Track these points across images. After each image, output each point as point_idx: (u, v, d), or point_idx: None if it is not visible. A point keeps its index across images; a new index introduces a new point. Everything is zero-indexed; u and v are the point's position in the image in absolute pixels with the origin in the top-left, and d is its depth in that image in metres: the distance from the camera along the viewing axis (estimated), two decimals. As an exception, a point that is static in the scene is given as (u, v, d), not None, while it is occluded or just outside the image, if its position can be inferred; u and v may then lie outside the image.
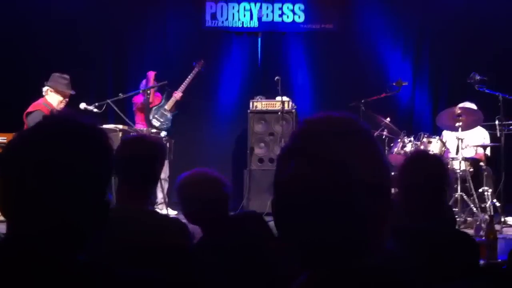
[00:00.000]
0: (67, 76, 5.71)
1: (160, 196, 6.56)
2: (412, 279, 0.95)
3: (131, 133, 5.83)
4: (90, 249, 1.12)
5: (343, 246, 0.90)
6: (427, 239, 2.33)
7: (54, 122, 1.15)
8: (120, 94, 6.16)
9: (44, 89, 5.63)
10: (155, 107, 6.57)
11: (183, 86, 6.77)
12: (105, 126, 5.77)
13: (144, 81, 6.68)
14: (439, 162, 2.66)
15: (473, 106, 6.20)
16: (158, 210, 6.43)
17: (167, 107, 6.68)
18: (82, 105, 5.81)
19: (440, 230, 2.39)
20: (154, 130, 6.28)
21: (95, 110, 5.82)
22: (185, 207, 2.35)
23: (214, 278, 2.09)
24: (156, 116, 6.57)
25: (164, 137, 6.32)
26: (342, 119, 0.96)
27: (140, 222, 2.16)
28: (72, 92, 5.72)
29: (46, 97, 5.63)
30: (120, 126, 5.84)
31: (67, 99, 5.69)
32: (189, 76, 6.83)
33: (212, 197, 2.27)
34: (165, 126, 6.60)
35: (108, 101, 5.93)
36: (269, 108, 7.01)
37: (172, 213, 6.21)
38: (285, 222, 0.93)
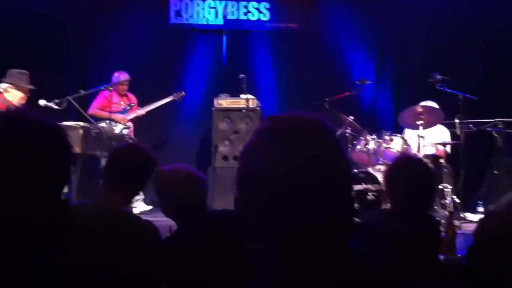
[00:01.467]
0: (26, 72, 5.58)
1: None
2: (386, 279, 0.95)
3: (92, 130, 5.73)
4: (54, 248, 1.09)
5: (329, 244, 0.90)
6: (399, 239, 2.36)
7: (10, 118, 1.11)
8: (81, 90, 6.04)
9: (3, 86, 5.47)
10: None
11: (149, 107, 6.78)
12: (65, 123, 5.65)
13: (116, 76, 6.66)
14: (424, 165, 2.72)
15: (434, 105, 6.32)
16: (133, 207, 6.40)
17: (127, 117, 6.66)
18: (42, 102, 5.69)
19: (415, 229, 2.43)
20: (115, 127, 6.18)
21: (55, 107, 5.70)
22: (163, 202, 2.39)
23: (188, 274, 2.08)
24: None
25: (126, 135, 6.23)
26: (315, 119, 0.96)
27: (112, 222, 2.15)
28: (33, 87, 5.58)
29: (5, 94, 5.47)
30: (81, 123, 5.74)
31: (28, 95, 5.55)
32: (161, 101, 6.85)
33: (190, 193, 2.31)
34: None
35: (69, 97, 5.82)
36: (234, 106, 7.00)
37: (146, 208, 6.16)
38: (278, 220, 0.91)
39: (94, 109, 6.58)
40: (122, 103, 6.74)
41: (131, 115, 6.70)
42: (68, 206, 1.11)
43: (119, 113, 6.63)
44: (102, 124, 6.38)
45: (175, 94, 6.96)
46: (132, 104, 6.79)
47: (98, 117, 6.47)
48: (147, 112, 6.83)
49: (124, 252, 2.03)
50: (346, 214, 0.93)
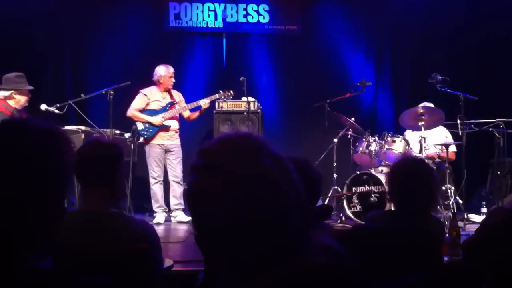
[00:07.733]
0: (22, 74, 5.43)
1: (173, 202, 6.28)
2: (353, 276, 0.96)
3: (94, 134, 5.72)
4: (44, 253, 1.08)
5: (277, 253, 0.92)
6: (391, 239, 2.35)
7: (11, 125, 1.11)
8: (82, 95, 6.01)
9: (5, 93, 5.31)
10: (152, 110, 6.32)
11: (191, 105, 6.50)
12: (66, 127, 5.64)
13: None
14: (426, 166, 2.72)
15: (431, 106, 6.32)
16: (172, 218, 6.26)
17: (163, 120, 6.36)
18: (43, 106, 5.67)
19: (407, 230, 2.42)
20: (117, 132, 6.16)
21: (56, 111, 5.68)
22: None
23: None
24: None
25: (128, 138, 6.21)
26: (244, 137, 1.02)
27: (99, 225, 2.11)
28: (32, 88, 5.50)
29: (8, 101, 5.34)
30: (82, 127, 5.74)
31: (30, 95, 5.47)
32: (206, 98, 6.51)
33: None
34: (147, 133, 6.29)
35: (70, 102, 5.80)
36: (235, 109, 7.00)
37: (184, 219, 6.10)
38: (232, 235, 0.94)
39: (132, 111, 6.25)
40: (164, 99, 6.37)
41: (169, 115, 6.35)
42: (63, 213, 1.11)
43: (158, 112, 6.30)
44: (140, 125, 6.23)
45: (221, 92, 6.62)
46: (174, 102, 6.42)
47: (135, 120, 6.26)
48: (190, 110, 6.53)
49: (107, 255, 1.99)
50: (284, 224, 0.94)
